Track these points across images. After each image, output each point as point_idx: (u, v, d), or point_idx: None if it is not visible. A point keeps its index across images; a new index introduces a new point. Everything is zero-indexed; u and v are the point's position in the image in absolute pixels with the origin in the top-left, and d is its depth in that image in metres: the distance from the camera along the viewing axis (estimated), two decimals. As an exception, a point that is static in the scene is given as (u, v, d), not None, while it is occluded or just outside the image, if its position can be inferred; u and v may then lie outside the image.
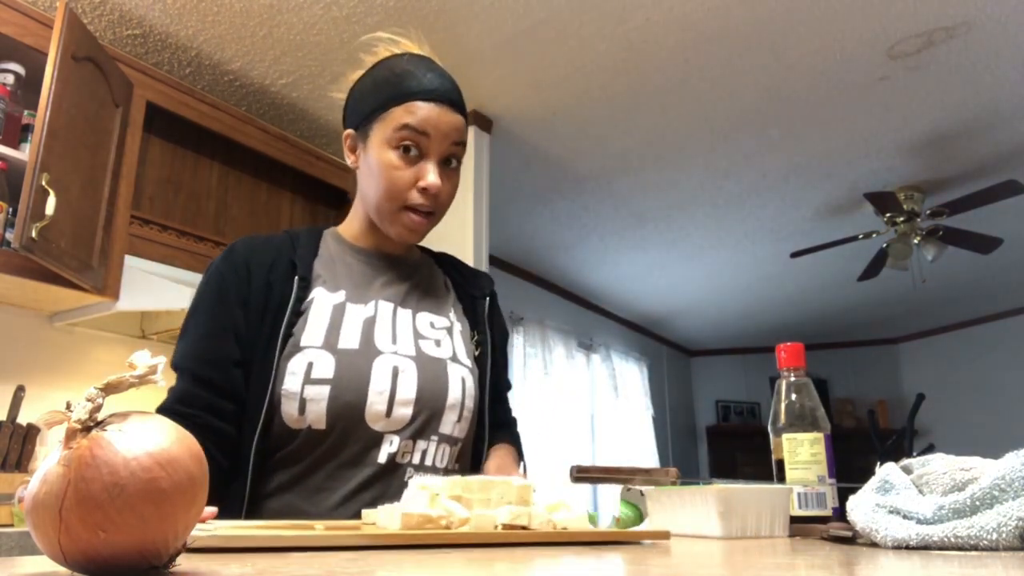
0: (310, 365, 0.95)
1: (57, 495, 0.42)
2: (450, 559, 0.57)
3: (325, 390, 0.95)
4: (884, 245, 3.90)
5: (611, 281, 5.09)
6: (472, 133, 2.79)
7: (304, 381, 0.94)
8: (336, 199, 2.92)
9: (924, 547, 0.61)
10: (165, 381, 0.49)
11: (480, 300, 1.18)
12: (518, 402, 4.50)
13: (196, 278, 2.17)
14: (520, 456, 1.16)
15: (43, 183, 1.65)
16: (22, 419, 1.90)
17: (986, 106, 2.86)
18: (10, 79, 1.92)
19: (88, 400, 0.45)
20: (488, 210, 2.77)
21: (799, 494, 0.91)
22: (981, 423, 5.99)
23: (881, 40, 2.44)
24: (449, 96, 1.04)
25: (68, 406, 0.45)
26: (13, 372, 2.07)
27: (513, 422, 1.23)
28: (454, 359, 1.07)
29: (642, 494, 0.98)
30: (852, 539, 0.71)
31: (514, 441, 1.16)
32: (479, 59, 2.49)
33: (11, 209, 1.83)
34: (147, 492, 0.42)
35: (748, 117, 2.92)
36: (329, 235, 1.11)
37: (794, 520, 0.87)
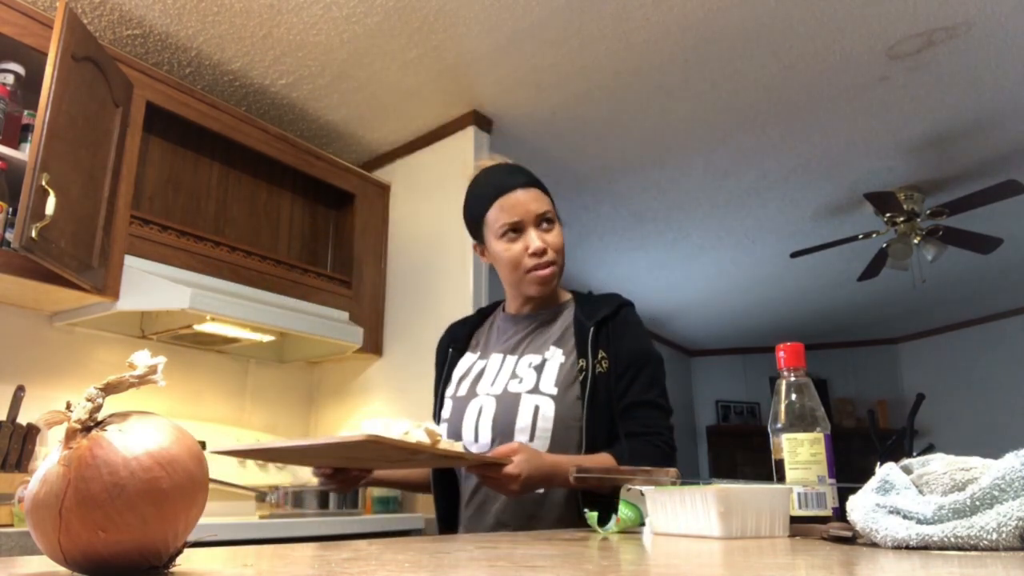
0: (445, 411, 1.40)
1: (57, 495, 0.42)
2: (450, 561, 0.57)
3: (446, 426, 1.37)
4: (884, 245, 3.90)
5: (611, 281, 5.09)
6: (472, 133, 2.79)
7: (440, 422, 1.39)
8: (336, 199, 2.92)
9: (924, 547, 0.61)
10: (165, 381, 0.49)
11: (588, 327, 1.36)
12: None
13: (196, 278, 2.18)
14: (621, 464, 1.24)
15: (43, 183, 1.65)
16: (22, 419, 1.90)
17: (986, 106, 2.86)
18: (10, 79, 1.92)
19: (88, 400, 0.45)
20: (488, 210, 2.77)
21: (799, 494, 0.91)
22: (981, 423, 5.99)
23: (881, 40, 2.44)
24: (516, 180, 1.39)
25: (68, 406, 0.45)
26: (13, 372, 2.07)
27: (636, 433, 1.30)
28: (533, 391, 1.32)
29: (642, 494, 0.98)
30: (852, 539, 0.71)
31: (617, 452, 1.27)
32: (479, 59, 2.49)
33: (11, 209, 1.83)
34: (147, 492, 0.42)
35: (748, 117, 2.92)
36: (499, 308, 1.53)
37: (794, 520, 0.87)
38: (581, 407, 1.30)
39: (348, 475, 1.30)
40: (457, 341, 1.49)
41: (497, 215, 1.36)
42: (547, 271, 1.35)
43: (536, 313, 1.43)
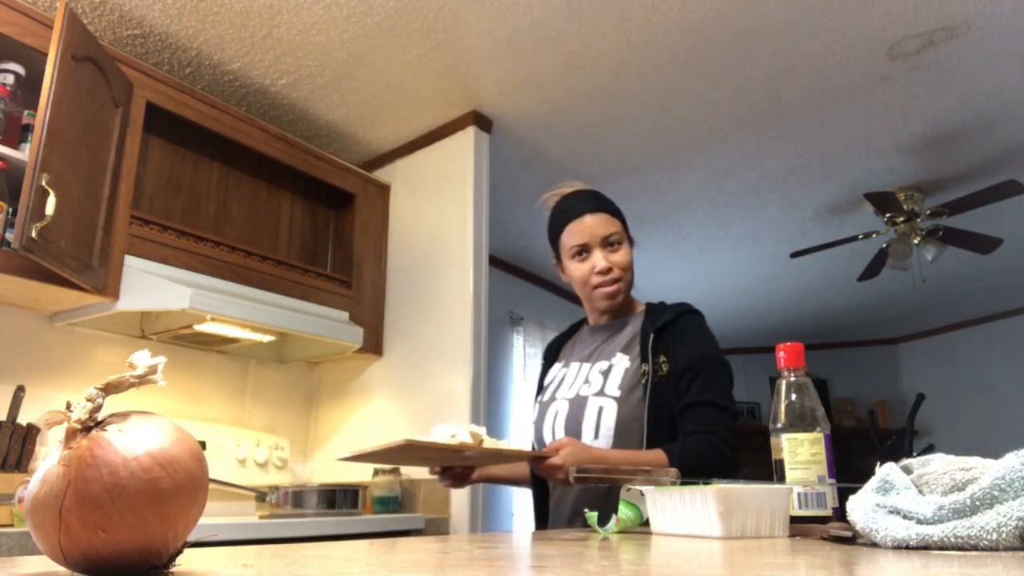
0: (533, 415, 1.59)
1: (57, 495, 0.42)
2: (450, 561, 0.57)
3: (532, 428, 1.58)
4: (884, 245, 3.90)
5: (611, 281, 5.09)
6: (472, 133, 2.79)
7: (532, 425, 1.59)
8: (336, 199, 2.92)
9: (924, 547, 0.61)
10: (165, 381, 0.49)
11: (649, 334, 1.49)
12: (518, 403, 4.50)
13: (196, 278, 2.18)
14: (672, 460, 1.35)
15: (43, 183, 1.65)
16: (22, 419, 1.90)
17: (986, 106, 2.86)
18: (10, 79, 1.92)
19: (88, 400, 0.45)
20: (488, 210, 2.77)
21: (799, 494, 0.91)
22: (981, 423, 5.99)
23: (881, 40, 2.44)
24: (585, 207, 1.57)
25: (68, 406, 0.45)
26: (13, 372, 2.07)
27: (691, 432, 1.41)
28: (599, 393, 1.47)
29: (642, 494, 0.98)
30: (852, 539, 0.71)
31: (671, 449, 1.38)
32: (479, 59, 2.49)
33: (11, 209, 1.83)
34: (147, 492, 0.42)
35: (748, 117, 2.92)
36: (585, 321, 1.68)
37: (794, 520, 0.87)
38: (643, 408, 1.41)
39: (454, 472, 1.46)
40: (550, 353, 1.70)
41: (568, 238, 1.56)
42: (612, 287, 1.53)
43: (611, 324, 1.59)
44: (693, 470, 1.24)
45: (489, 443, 1.26)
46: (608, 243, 1.54)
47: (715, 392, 1.42)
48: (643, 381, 1.44)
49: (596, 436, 1.43)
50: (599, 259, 1.52)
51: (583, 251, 1.54)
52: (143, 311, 2.25)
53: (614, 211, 1.58)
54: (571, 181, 1.68)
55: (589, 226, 1.54)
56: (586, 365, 1.54)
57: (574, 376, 1.54)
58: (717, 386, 1.43)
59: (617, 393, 1.45)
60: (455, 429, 1.28)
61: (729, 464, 1.39)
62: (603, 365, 1.51)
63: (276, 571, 0.46)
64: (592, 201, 1.58)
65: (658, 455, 1.36)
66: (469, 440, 1.23)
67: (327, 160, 2.74)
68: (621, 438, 1.41)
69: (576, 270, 1.55)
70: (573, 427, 1.45)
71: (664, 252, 4.53)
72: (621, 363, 1.49)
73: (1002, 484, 0.59)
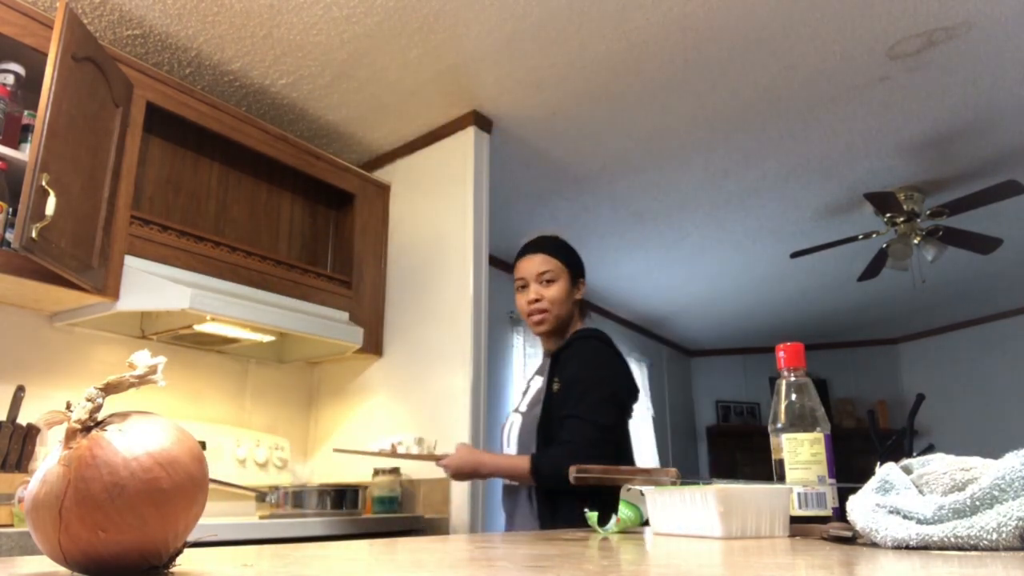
0: None
1: (57, 495, 0.42)
2: (450, 561, 0.57)
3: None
4: (884, 245, 3.90)
5: (611, 281, 5.09)
6: (472, 133, 2.79)
7: None
8: (336, 199, 2.92)
9: (924, 547, 0.61)
10: (165, 381, 0.49)
11: (552, 358, 1.79)
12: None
13: (196, 278, 2.18)
14: (531, 467, 1.66)
15: (43, 183, 1.65)
16: (22, 419, 1.89)
17: (986, 106, 2.86)
18: (10, 79, 1.92)
19: (88, 400, 0.45)
20: (488, 210, 2.77)
21: (799, 494, 0.91)
22: (981, 423, 5.99)
23: (881, 40, 2.44)
24: (529, 248, 1.88)
25: (68, 406, 0.45)
26: (13, 372, 2.07)
27: (559, 440, 1.66)
28: (516, 410, 1.85)
29: (642, 494, 0.98)
30: (852, 539, 0.71)
31: (535, 456, 1.67)
32: (479, 59, 2.49)
33: (11, 209, 1.83)
34: (147, 492, 0.42)
35: (748, 117, 2.92)
36: None
37: (794, 520, 0.87)
38: (537, 422, 1.70)
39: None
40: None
41: (515, 273, 1.89)
42: (538, 316, 1.81)
43: (552, 349, 1.85)
44: (549, 475, 1.61)
45: (415, 449, 1.98)
46: (543, 280, 1.81)
47: (583, 407, 1.64)
48: (542, 399, 1.72)
49: (509, 445, 1.78)
50: (531, 292, 1.81)
51: (523, 285, 1.85)
52: (143, 311, 2.25)
53: (556, 253, 1.86)
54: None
55: (528, 264, 1.85)
56: (532, 382, 1.87)
57: (522, 392, 1.90)
58: (585, 402, 1.64)
59: (525, 409, 1.79)
60: (402, 437, 2.09)
61: (587, 459, 1.58)
62: (531, 385, 1.85)
63: (276, 571, 0.46)
64: (536, 244, 1.89)
65: (523, 459, 1.66)
66: (412, 447, 1.97)
67: (327, 160, 2.74)
68: (523, 447, 1.73)
69: (517, 301, 1.87)
70: (506, 436, 1.83)
71: (664, 252, 4.53)
72: (536, 384, 1.83)
73: (1002, 484, 0.59)
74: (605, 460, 1.58)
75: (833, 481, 0.92)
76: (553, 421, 1.66)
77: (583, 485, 1.08)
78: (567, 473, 1.42)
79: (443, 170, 2.84)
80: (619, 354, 1.80)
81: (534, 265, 1.83)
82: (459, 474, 1.80)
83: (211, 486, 0.85)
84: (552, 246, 1.88)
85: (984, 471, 0.64)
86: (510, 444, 1.80)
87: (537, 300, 1.80)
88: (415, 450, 2.01)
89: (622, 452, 1.73)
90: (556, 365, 1.74)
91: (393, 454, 2.00)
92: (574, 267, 1.88)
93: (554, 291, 1.81)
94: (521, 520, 1.74)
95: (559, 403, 1.67)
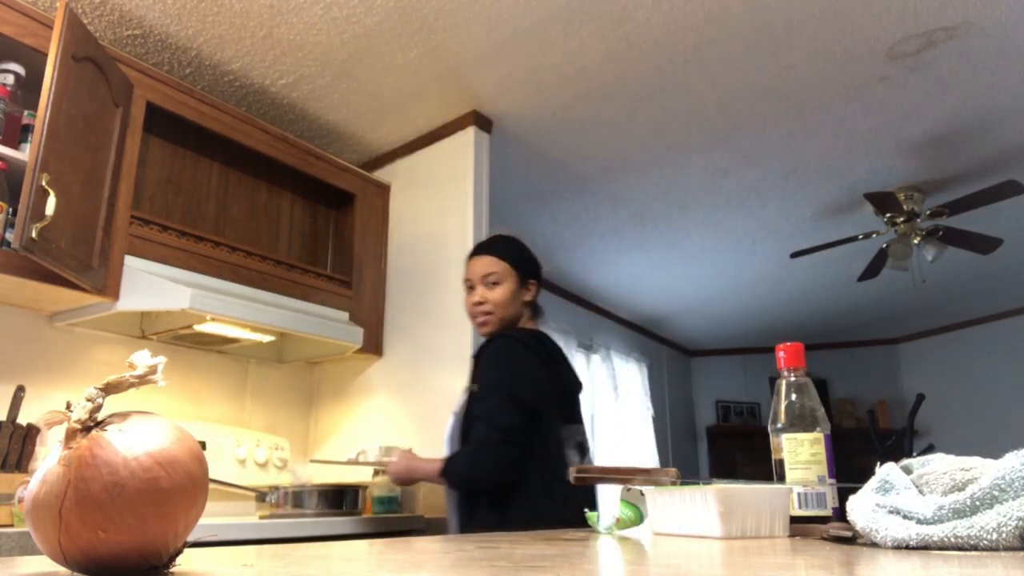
0: None
1: (57, 495, 0.42)
2: (450, 561, 0.57)
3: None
4: (884, 245, 3.90)
5: (611, 281, 5.09)
6: (472, 133, 2.79)
7: None
8: (336, 199, 2.92)
9: (924, 547, 0.61)
10: (165, 381, 0.49)
11: (475, 362, 1.81)
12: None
13: (196, 278, 2.18)
14: (443, 466, 1.75)
15: (43, 183, 1.65)
16: (22, 419, 1.89)
17: (986, 106, 2.86)
18: (10, 79, 1.91)
19: (88, 400, 0.45)
20: (488, 210, 2.77)
21: (799, 494, 0.91)
22: (981, 423, 5.99)
23: (881, 40, 2.44)
24: (478, 250, 1.91)
25: (68, 406, 0.45)
26: (13, 372, 2.07)
27: (465, 444, 1.75)
28: (453, 412, 1.87)
29: (642, 494, 0.98)
30: (852, 539, 0.71)
31: (446, 460, 1.75)
32: (479, 59, 2.49)
33: (11, 209, 1.83)
34: (147, 492, 0.42)
35: (748, 117, 2.92)
36: None
37: (794, 520, 0.87)
38: (459, 423, 1.78)
39: None
40: None
41: (464, 274, 1.93)
42: (481, 318, 1.85)
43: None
44: (454, 477, 1.72)
45: (374, 456, 2.12)
46: (488, 282, 1.83)
47: (484, 409, 1.69)
48: (465, 400, 1.79)
49: (445, 448, 1.84)
50: (476, 294, 1.84)
51: (470, 286, 1.87)
52: (143, 311, 2.25)
53: (503, 255, 1.86)
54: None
55: (475, 266, 1.87)
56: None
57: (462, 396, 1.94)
58: (486, 404, 1.69)
59: (457, 411, 1.84)
60: (367, 446, 2.25)
61: (478, 464, 1.68)
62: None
63: (276, 571, 0.46)
64: (484, 245, 1.92)
65: (437, 462, 1.76)
66: (378, 456, 2.11)
67: (327, 160, 2.74)
68: (454, 444, 1.80)
69: (465, 302, 1.90)
70: (444, 441, 1.90)
71: (664, 252, 4.53)
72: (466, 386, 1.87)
73: (1002, 484, 0.59)
74: (508, 460, 1.64)
75: (833, 481, 0.92)
76: (473, 420, 1.72)
77: (582, 484, 1.08)
78: (470, 475, 1.69)
79: (443, 170, 2.84)
80: (533, 353, 1.77)
81: (480, 267, 1.85)
82: (398, 480, 1.90)
83: (211, 486, 0.85)
84: (501, 248, 1.88)
85: (984, 471, 0.64)
86: (445, 446, 1.86)
87: (481, 303, 1.83)
88: (376, 457, 2.12)
89: (542, 451, 1.71)
90: (475, 369, 1.79)
91: (356, 463, 2.14)
92: (523, 269, 1.87)
93: (498, 293, 1.82)
94: (452, 522, 1.80)
95: (475, 405, 1.73)
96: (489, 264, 1.84)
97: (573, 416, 1.86)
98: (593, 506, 1.60)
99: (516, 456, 1.65)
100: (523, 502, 1.66)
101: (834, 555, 0.59)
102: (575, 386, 1.92)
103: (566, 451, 1.76)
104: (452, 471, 1.72)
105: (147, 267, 2.07)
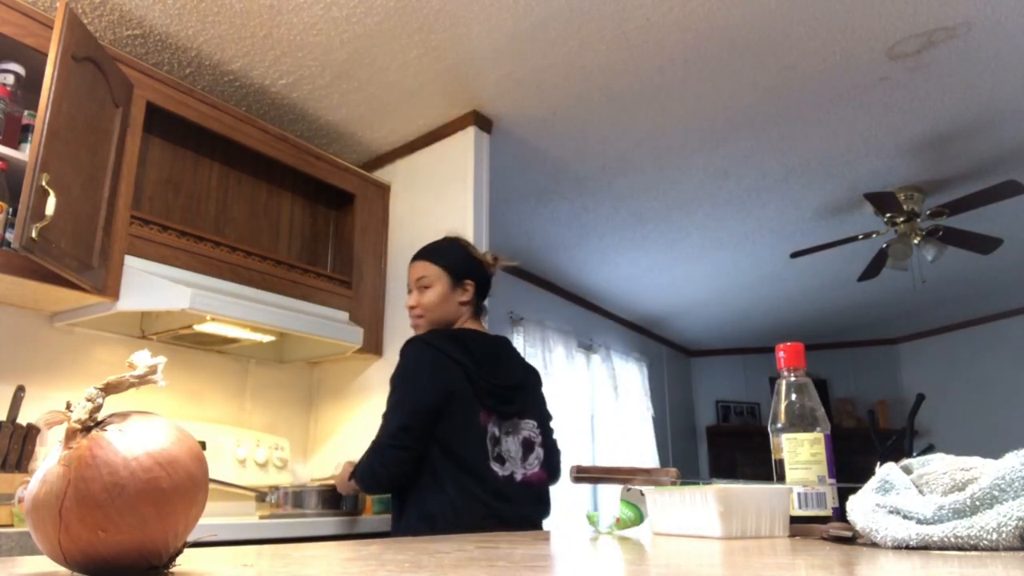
0: None
1: (57, 495, 0.42)
2: (450, 561, 0.57)
3: None
4: (884, 245, 3.90)
5: (611, 281, 5.09)
6: (472, 133, 2.79)
7: None
8: (336, 199, 2.92)
9: (924, 547, 0.61)
10: (165, 381, 0.49)
11: None
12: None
13: (196, 278, 2.18)
14: (352, 472, 1.92)
15: (43, 183, 1.65)
16: (22, 419, 1.89)
17: (986, 106, 2.86)
18: (10, 79, 1.91)
19: (88, 400, 0.45)
20: (488, 210, 2.77)
21: (799, 494, 0.91)
22: (981, 423, 5.99)
23: (881, 40, 2.44)
24: (414, 256, 1.98)
25: (68, 406, 0.45)
26: (13, 372, 2.07)
27: None
28: None
29: (642, 494, 0.98)
30: (852, 539, 0.71)
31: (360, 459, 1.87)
32: (479, 59, 2.49)
33: (11, 209, 1.83)
34: (147, 492, 0.42)
35: (748, 117, 2.92)
36: None
37: (794, 520, 0.87)
38: None
39: None
40: None
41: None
42: (413, 321, 1.94)
43: None
44: (358, 477, 1.80)
45: (337, 469, 2.17)
46: (420, 286, 1.92)
47: (384, 412, 1.80)
48: None
49: None
50: (410, 298, 1.94)
51: (408, 291, 1.97)
52: (143, 311, 2.25)
53: (434, 259, 1.94)
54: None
55: (410, 270, 1.96)
56: None
57: None
58: (386, 406, 1.80)
59: None
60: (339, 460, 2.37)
61: (368, 467, 1.76)
62: None
63: (276, 571, 0.46)
64: (419, 251, 1.99)
65: (349, 465, 1.95)
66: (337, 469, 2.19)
67: (327, 160, 2.74)
68: None
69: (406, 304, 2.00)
70: None
71: (664, 252, 4.53)
72: None
73: (1002, 484, 0.59)
74: (395, 462, 1.72)
75: (833, 481, 0.92)
76: None
77: (582, 483, 1.08)
78: (363, 479, 1.78)
79: (443, 170, 2.84)
80: (441, 353, 1.79)
81: (413, 272, 1.95)
82: (341, 490, 2.09)
83: (211, 486, 0.85)
84: (432, 253, 1.97)
85: (984, 471, 0.64)
86: None
87: (414, 306, 1.92)
88: (339, 471, 2.16)
89: (455, 449, 1.73)
90: None
91: (324, 481, 2.28)
92: (455, 270, 1.93)
93: (428, 296, 1.90)
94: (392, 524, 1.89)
95: None
96: (420, 268, 1.94)
97: (511, 411, 1.83)
98: (534, 504, 1.79)
99: (406, 458, 1.72)
100: (442, 501, 1.70)
101: (834, 555, 0.59)
102: (515, 380, 1.88)
103: (488, 447, 1.76)
104: (356, 475, 1.84)
105: (147, 267, 2.07)
